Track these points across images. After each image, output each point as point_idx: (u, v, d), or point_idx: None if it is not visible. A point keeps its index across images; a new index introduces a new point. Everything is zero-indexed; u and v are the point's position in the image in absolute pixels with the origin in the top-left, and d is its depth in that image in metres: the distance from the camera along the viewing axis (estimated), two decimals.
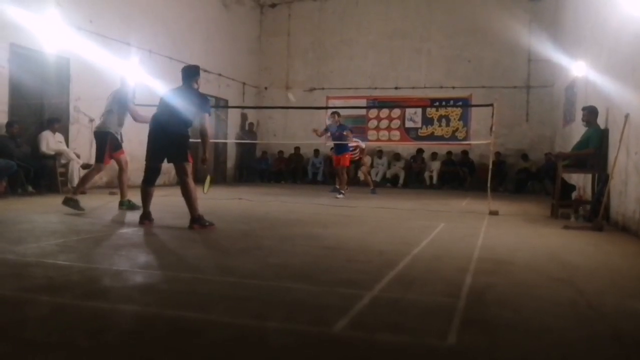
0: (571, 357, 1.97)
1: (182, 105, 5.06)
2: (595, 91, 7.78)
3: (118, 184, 6.83)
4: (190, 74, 5.30)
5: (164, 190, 10.18)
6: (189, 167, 5.12)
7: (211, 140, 14.65)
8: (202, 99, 5.26)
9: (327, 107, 15.72)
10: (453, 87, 15.00)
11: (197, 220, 4.93)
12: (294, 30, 16.49)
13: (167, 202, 7.84)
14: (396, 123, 15.71)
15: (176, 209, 7.17)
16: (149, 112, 5.77)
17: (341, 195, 9.69)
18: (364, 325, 2.21)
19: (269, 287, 2.83)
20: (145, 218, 5.13)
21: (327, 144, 15.54)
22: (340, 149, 10.34)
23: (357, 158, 11.64)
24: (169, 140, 5.06)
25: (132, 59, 11.05)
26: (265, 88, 16.84)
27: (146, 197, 5.20)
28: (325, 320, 2.23)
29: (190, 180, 5.03)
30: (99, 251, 3.73)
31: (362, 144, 11.86)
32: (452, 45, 15.10)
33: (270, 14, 16.83)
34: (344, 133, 10.34)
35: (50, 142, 8.81)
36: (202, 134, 5.12)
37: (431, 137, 15.15)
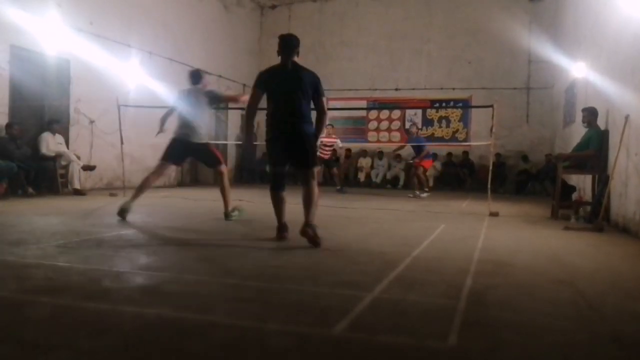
0: (572, 358, 1.97)
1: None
2: (595, 92, 7.78)
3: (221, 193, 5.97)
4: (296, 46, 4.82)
5: (165, 191, 10.19)
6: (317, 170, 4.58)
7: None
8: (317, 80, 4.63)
9: (327, 108, 15.73)
10: (453, 89, 15.01)
11: (311, 225, 4.25)
12: (294, 31, 16.24)
13: (167, 203, 7.84)
14: (396, 124, 15.72)
15: (176, 209, 7.17)
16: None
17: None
18: (364, 326, 2.21)
19: (269, 289, 2.83)
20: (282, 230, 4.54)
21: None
22: None
23: (327, 157, 11.82)
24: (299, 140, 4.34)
25: (132, 60, 11.07)
26: None
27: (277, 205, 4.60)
28: (326, 321, 2.23)
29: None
30: (99, 252, 3.73)
31: (339, 144, 12.19)
32: (452, 46, 15.12)
33: (271, 16, 16.85)
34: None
35: (51, 143, 8.81)
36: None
37: (431, 138, 15.15)
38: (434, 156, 14.64)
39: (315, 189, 4.37)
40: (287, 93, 4.37)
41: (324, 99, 4.47)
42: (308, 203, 4.30)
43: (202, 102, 5.83)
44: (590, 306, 2.63)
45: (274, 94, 4.43)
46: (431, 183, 14.22)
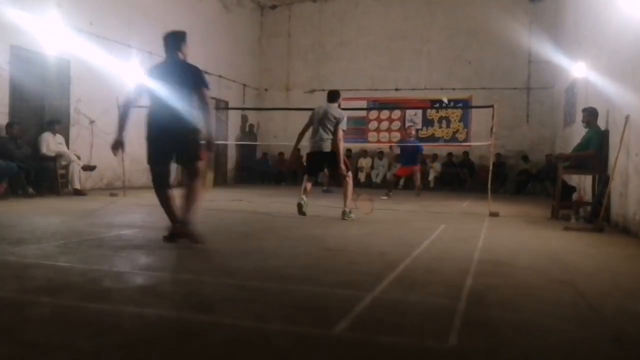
0: (572, 358, 1.97)
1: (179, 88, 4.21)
2: (595, 93, 7.78)
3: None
4: (178, 42, 4.39)
5: None
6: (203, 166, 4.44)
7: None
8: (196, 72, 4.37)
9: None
10: (453, 89, 15.01)
11: (186, 223, 4.11)
12: (295, 31, 16.51)
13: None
14: (396, 124, 15.72)
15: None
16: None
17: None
18: (364, 326, 2.21)
19: (269, 289, 2.83)
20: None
21: None
22: None
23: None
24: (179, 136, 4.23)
25: (132, 60, 11.06)
26: (266, 89, 16.85)
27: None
28: (326, 321, 2.23)
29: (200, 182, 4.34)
30: (99, 253, 3.73)
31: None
32: (453, 46, 15.12)
33: (271, 16, 16.85)
34: None
35: (51, 143, 8.82)
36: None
37: (431, 138, 15.15)
38: (434, 157, 14.68)
39: (199, 186, 4.27)
40: (165, 89, 4.26)
41: (205, 90, 4.24)
42: (188, 199, 4.17)
43: (332, 120, 6.40)
44: (591, 306, 2.63)
45: (152, 92, 4.37)
46: (432, 184, 14.26)
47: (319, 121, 6.47)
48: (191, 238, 4.01)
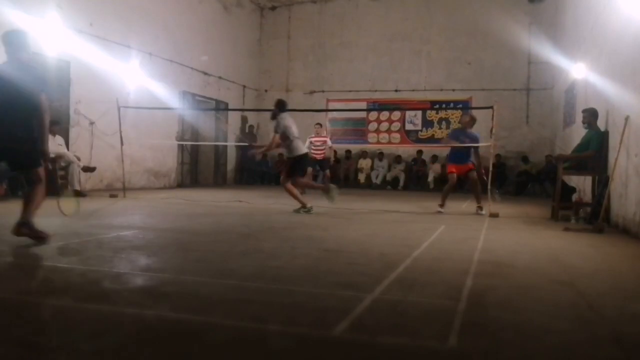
0: (572, 359, 1.97)
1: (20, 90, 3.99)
2: (595, 93, 7.79)
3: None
4: (20, 42, 4.15)
5: (164, 193, 10.20)
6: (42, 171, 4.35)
7: (211, 143, 14.73)
8: (38, 74, 4.23)
9: (327, 110, 15.75)
10: (453, 90, 15.02)
11: (26, 223, 4.06)
12: (294, 32, 16.52)
13: (167, 204, 7.85)
14: (396, 125, 15.73)
15: (176, 211, 7.17)
16: None
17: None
18: (364, 327, 2.21)
19: (269, 290, 2.82)
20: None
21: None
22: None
23: (320, 157, 11.44)
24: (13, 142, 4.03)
25: (132, 61, 11.08)
26: (266, 90, 16.86)
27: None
28: (326, 322, 2.23)
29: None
30: (99, 254, 3.73)
31: (329, 143, 11.80)
32: (452, 47, 15.14)
33: (271, 17, 16.86)
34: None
35: (51, 144, 8.78)
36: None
37: (431, 139, 15.16)
38: (434, 158, 14.68)
39: (41, 191, 4.25)
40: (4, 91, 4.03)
41: (43, 96, 4.05)
42: (28, 201, 4.15)
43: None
44: (591, 307, 2.62)
45: None
46: (432, 185, 14.26)
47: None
48: (35, 237, 3.99)
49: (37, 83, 4.09)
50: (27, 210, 4.11)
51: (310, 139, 11.37)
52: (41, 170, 4.23)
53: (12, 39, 4.11)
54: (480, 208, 7.44)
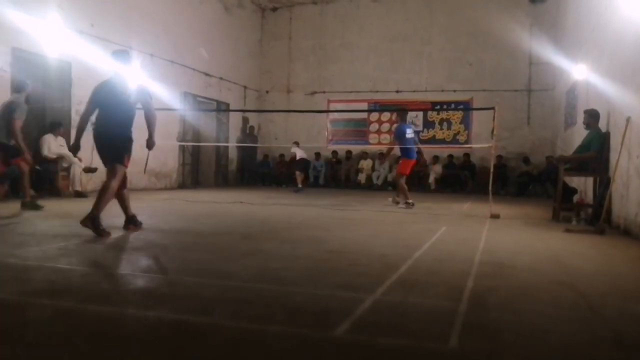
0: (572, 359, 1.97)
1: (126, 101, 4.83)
2: (596, 94, 7.78)
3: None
4: (125, 59, 5.02)
5: (166, 194, 10.20)
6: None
7: (213, 144, 14.77)
8: (140, 88, 5.01)
9: (328, 111, 15.76)
10: (454, 91, 15.02)
11: (93, 220, 4.56)
12: (295, 33, 16.53)
13: (168, 205, 7.85)
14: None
15: (177, 212, 7.18)
16: None
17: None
18: (365, 328, 2.21)
19: (270, 291, 2.82)
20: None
21: (328, 147, 15.62)
22: None
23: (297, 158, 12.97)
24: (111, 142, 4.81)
25: (133, 62, 11.07)
26: (267, 91, 16.87)
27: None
28: (327, 323, 2.23)
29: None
30: (100, 255, 3.73)
31: (299, 153, 13.10)
32: (453, 48, 15.13)
33: (272, 18, 16.87)
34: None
35: (52, 146, 8.83)
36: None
37: (432, 140, 15.15)
38: (435, 159, 14.67)
39: (112, 187, 4.70)
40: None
41: (151, 103, 5.00)
42: (100, 195, 4.67)
43: None
44: (591, 308, 2.62)
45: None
46: (433, 186, 14.25)
47: None
48: (94, 231, 4.48)
49: (141, 94, 4.91)
50: (98, 205, 4.59)
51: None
52: (121, 168, 4.77)
53: (119, 57, 4.96)
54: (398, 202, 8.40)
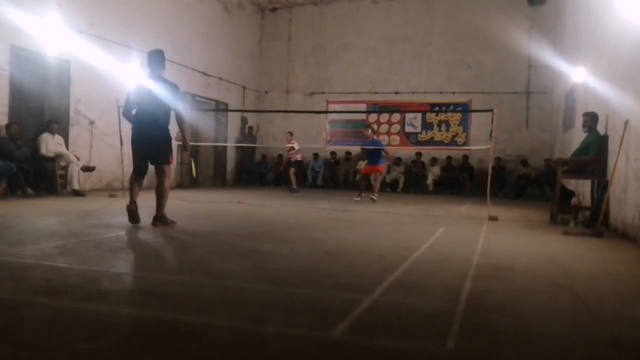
0: None
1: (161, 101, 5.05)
2: (595, 97, 7.79)
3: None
4: (159, 60, 5.24)
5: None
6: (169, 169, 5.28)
7: (211, 144, 14.78)
8: (174, 89, 5.21)
9: (327, 112, 15.77)
10: (453, 92, 15.04)
11: (160, 218, 5.16)
12: (295, 34, 16.54)
13: (167, 205, 7.83)
14: (396, 128, 15.73)
15: (175, 211, 7.18)
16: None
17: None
18: (363, 329, 2.20)
19: (268, 292, 2.82)
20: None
21: (326, 148, 15.62)
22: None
23: (292, 160, 12.88)
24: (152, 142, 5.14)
25: (132, 62, 11.07)
26: (266, 92, 16.88)
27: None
28: (325, 324, 2.23)
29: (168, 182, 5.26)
30: (98, 254, 3.72)
31: (296, 146, 12.85)
32: (453, 50, 15.15)
33: (271, 18, 16.88)
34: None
35: (50, 144, 8.81)
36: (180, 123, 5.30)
37: (431, 142, 15.16)
38: (433, 160, 14.69)
39: (167, 185, 5.20)
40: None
41: (180, 105, 5.28)
42: (159, 197, 5.15)
43: None
44: (589, 311, 2.63)
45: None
46: (431, 187, 14.27)
47: None
48: (166, 227, 5.09)
49: (174, 94, 5.05)
50: (160, 205, 5.08)
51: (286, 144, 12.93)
52: (168, 168, 5.14)
53: (152, 58, 5.13)
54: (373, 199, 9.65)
